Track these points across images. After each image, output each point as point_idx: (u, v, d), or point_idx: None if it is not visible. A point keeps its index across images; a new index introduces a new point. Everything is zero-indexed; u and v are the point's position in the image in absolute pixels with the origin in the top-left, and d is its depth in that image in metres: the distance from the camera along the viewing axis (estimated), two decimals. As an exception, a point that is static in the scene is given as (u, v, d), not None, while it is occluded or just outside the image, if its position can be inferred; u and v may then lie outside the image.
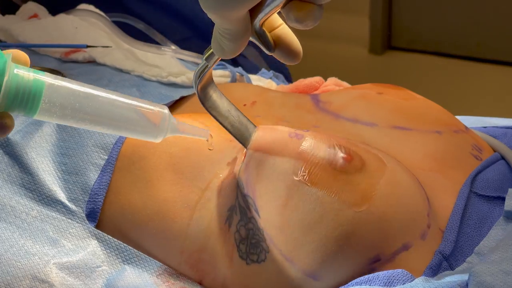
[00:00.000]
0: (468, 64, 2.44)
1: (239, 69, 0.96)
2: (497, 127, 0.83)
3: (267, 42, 0.56)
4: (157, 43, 1.05)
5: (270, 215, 0.62)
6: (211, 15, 0.52)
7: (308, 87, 0.88)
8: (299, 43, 0.57)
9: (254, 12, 0.54)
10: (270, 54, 0.57)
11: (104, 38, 1.01)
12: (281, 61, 0.58)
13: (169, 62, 0.96)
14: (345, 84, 0.90)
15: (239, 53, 0.55)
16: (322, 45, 2.57)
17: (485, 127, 0.83)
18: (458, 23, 2.46)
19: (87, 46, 0.95)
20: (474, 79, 2.36)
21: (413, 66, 2.51)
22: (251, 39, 0.56)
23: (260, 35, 0.56)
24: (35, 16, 1.12)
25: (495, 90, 2.29)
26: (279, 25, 0.57)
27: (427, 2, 2.50)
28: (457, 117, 0.86)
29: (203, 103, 0.62)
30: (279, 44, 0.57)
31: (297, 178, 0.61)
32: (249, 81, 0.96)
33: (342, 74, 1.65)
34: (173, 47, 1.01)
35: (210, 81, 0.62)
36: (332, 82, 0.89)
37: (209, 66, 0.59)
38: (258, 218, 0.63)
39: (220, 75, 0.92)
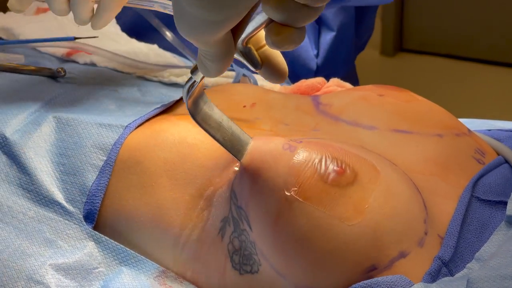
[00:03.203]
0: (479, 66, 2.43)
1: (244, 69, 0.95)
2: (501, 130, 0.82)
3: (254, 60, 0.56)
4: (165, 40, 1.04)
5: (262, 229, 0.61)
6: (188, 40, 0.52)
7: (310, 88, 0.87)
8: (285, 65, 0.57)
9: (236, 31, 0.53)
10: (256, 71, 0.57)
11: (106, 37, 1.01)
12: (266, 79, 0.57)
13: (171, 61, 0.96)
14: (347, 85, 0.89)
15: (223, 72, 0.55)
16: (333, 46, 2.56)
17: (489, 130, 0.82)
18: (470, 25, 2.45)
19: (75, 38, 0.94)
20: (486, 81, 2.35)
21: (425, 68, 2.49)
22: (236, 57, 0.55)
23: (245, 53, 0.55)
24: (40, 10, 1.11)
25: (507, 93, 2.27)
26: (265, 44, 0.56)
27: (439, 4, 2.49)
28: (463, 119, 0.84)
29: (193, 117, 0.61)
30: (266, 63, 0.56)
31: (288, 193, 0.60)
32: (254, 81, 0.95)
33: (353, 76, 1.64)
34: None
35: (201, 94, 0.61)
36: (334, 83, 0.88)
37: (197, 81, 0.59)
38: (250, 231, 0.62)
39: (222, 75, 0.90)
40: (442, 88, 2.27)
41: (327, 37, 1.24)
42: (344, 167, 0.60)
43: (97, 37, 0.95)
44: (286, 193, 0.60)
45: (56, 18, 1.05)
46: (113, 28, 1.08)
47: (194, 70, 0.58)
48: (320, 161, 0.61)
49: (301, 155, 0.61)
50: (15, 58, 0.93)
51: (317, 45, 1.30)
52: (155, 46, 1.02)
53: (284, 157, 0.61)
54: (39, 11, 1.13)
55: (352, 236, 0.58)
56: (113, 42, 1.01)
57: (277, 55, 0.56)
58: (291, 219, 0.59)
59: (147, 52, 0.99)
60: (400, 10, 2.56)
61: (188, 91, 0.59)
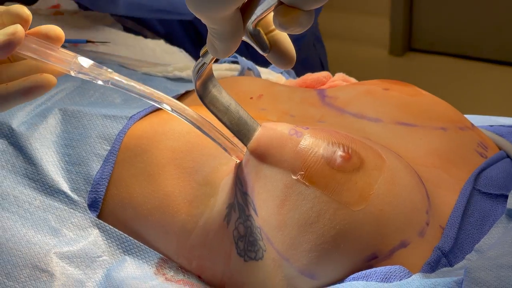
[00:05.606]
0: (487, 66, 2.43)
1: (250, 63, 0.95)
2: (504, 126, 0.82)
3: (262, 43, 0.55)
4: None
5: (268, 214, 0.61)
6: (197, 15, 0.52)
7: (315, 82, 0.88)
8: (294, 50, 0.56)
9: (246, 12, 0.53)
10: (264, 54, 0.56)
11: (114, 35, 1.02)
12: (273, 63, 0.57)
13: (177, 56, 0.96)
14: (353, 80, 0.90)
15: (232, 53, 0.55)
16: (342, 46, 2.57)
17: (491, 126, 0.82)
18: (478, 25, 2.44)
19: (87, 41, 0.95)
20: (493, 81, 2.35)
21: (433, 68, 2.49)
22: (244, 39, 0.55)
23: (255, 35, 0.55)
24: (57, 6, 1.12)
25: (515, 93, 2.27)
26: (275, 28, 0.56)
27: (448, 4, 2.49)
28: (465, 115, 0.85)
29: (201, 99, 0.62)
30: (274, 46, 0.56)
31: (294, 177, 0.60)
32: (258, 75, 0.95)
33: (362, 75, 1.64)
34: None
35: (210, 76, 0.61)
36: (340, 78, 0.88)
37: (206, 63, 0.59)
38: (256, 216, 0.62)
39: (226, 68, 0.91)
40: (450, 87, 2.27)
41: None
42: (350, 153, 0.61)
43: (109, 42, 0.96)
44: (293, 176, 0.60)
45: (73, 19, 1.06)
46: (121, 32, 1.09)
47: (204, 53, 0.58)
48: (327, 146, 0.61)
49: (307, 140, 0.62)
50: None
51: None
52: (161, 42, 1.03)
53: (291, 142, 0.62)
54: (57, 13, 1.14)
55: (356, 222, 0.59)
56: (123, 47, 1.02)
57: (286, 41, 0.56)
58: (297, 203, 0.60)
59: (153, 47, 1.00)
60: (409, 9, 2.56)
61: (197, 73, 0.60)
